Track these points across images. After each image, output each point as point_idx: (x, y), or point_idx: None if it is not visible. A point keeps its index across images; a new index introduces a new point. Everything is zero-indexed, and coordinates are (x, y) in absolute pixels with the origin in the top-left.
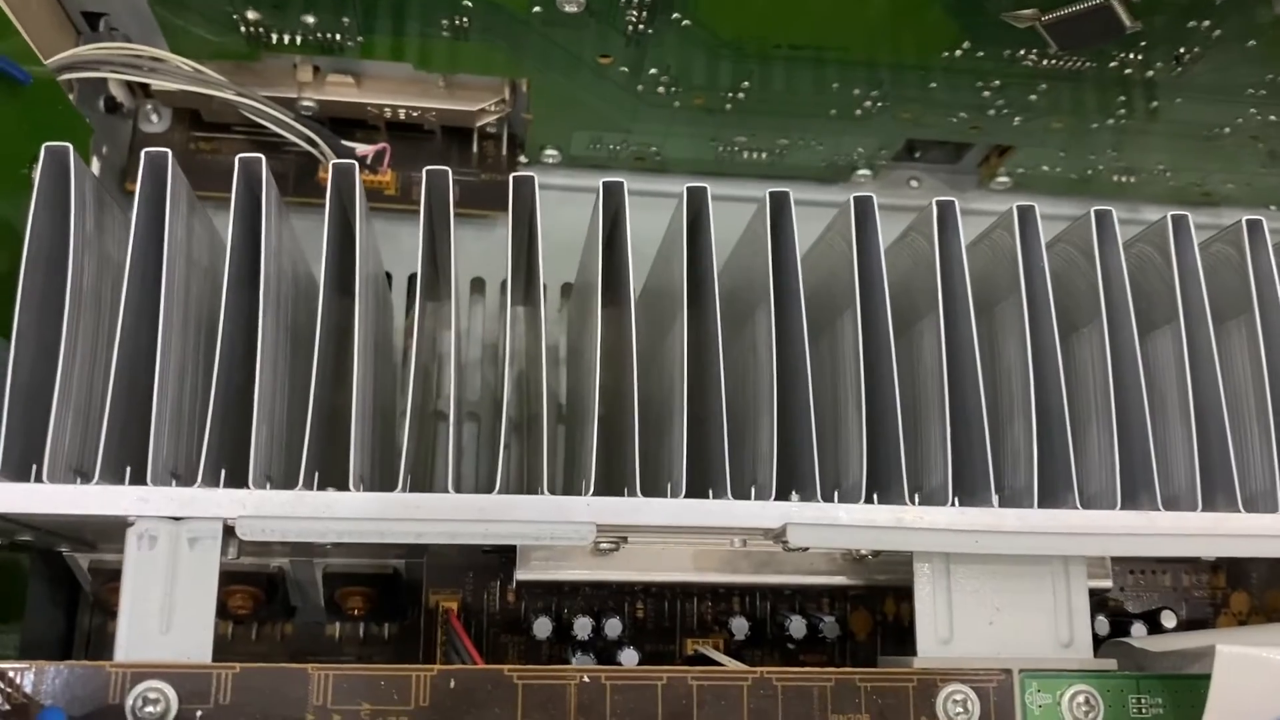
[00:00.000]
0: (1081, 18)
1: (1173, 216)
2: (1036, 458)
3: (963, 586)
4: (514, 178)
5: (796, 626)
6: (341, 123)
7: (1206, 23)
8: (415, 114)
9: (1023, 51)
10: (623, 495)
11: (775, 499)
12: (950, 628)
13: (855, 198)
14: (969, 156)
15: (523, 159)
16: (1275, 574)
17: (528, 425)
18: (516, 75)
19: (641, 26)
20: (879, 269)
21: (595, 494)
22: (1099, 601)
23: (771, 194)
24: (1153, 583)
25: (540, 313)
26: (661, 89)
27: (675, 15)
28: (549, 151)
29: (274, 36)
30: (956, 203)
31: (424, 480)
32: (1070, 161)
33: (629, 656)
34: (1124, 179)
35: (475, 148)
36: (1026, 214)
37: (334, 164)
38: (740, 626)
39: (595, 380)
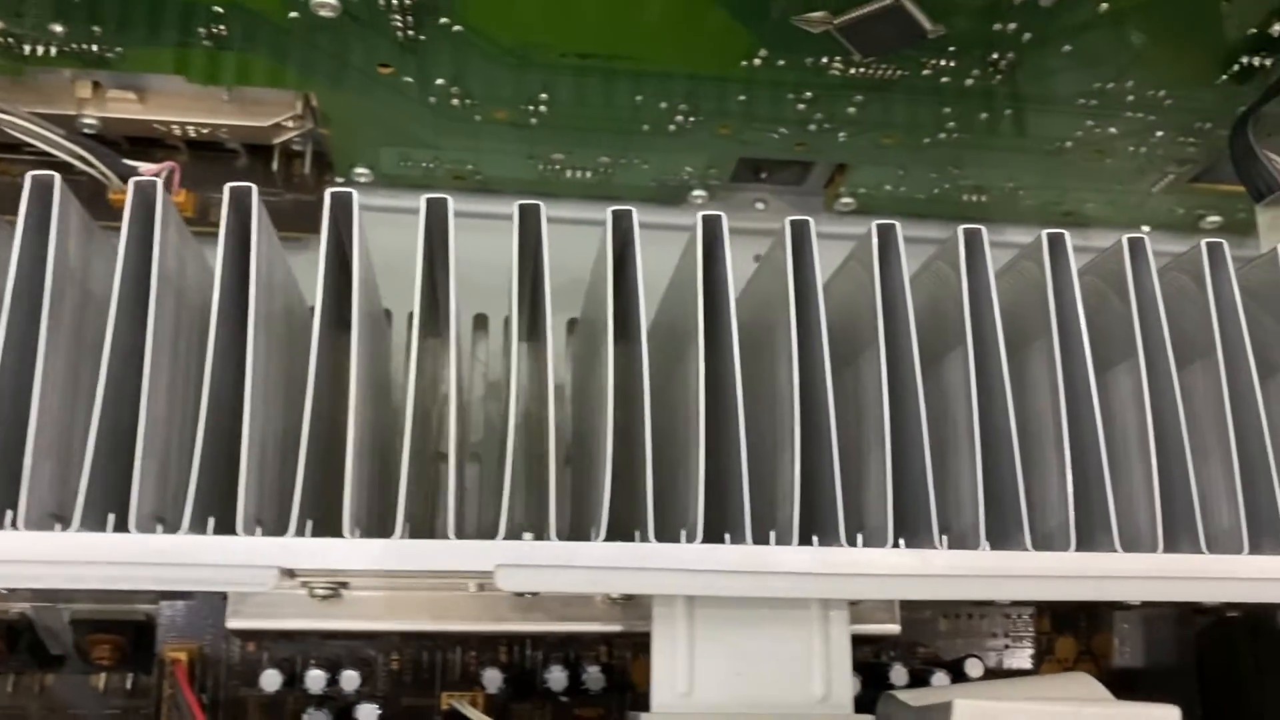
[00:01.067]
0: (876, 20)
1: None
2: (798, 492)
3: (707, 634)
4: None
5: (556, 678)
6: (139, 141)
7: (1012, 25)
8: (205, 131)
9: (825, 59)
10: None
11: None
12: (690, 680)
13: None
14: (813, 176)
15: (340, 179)
16: (1104, 619)
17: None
18: (296, 88)
19: (411, 33)
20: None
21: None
22: (907, 648)
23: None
24: (971, 628)
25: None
26: (456, 101)
27: (444, 20)
28: (359, 170)
29: (26, 48)
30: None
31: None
32: (912, 180)
33: (367, 713)
34: (975, 198)
35: (276, 166)
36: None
37: (134, 182)
38: (493, 679)
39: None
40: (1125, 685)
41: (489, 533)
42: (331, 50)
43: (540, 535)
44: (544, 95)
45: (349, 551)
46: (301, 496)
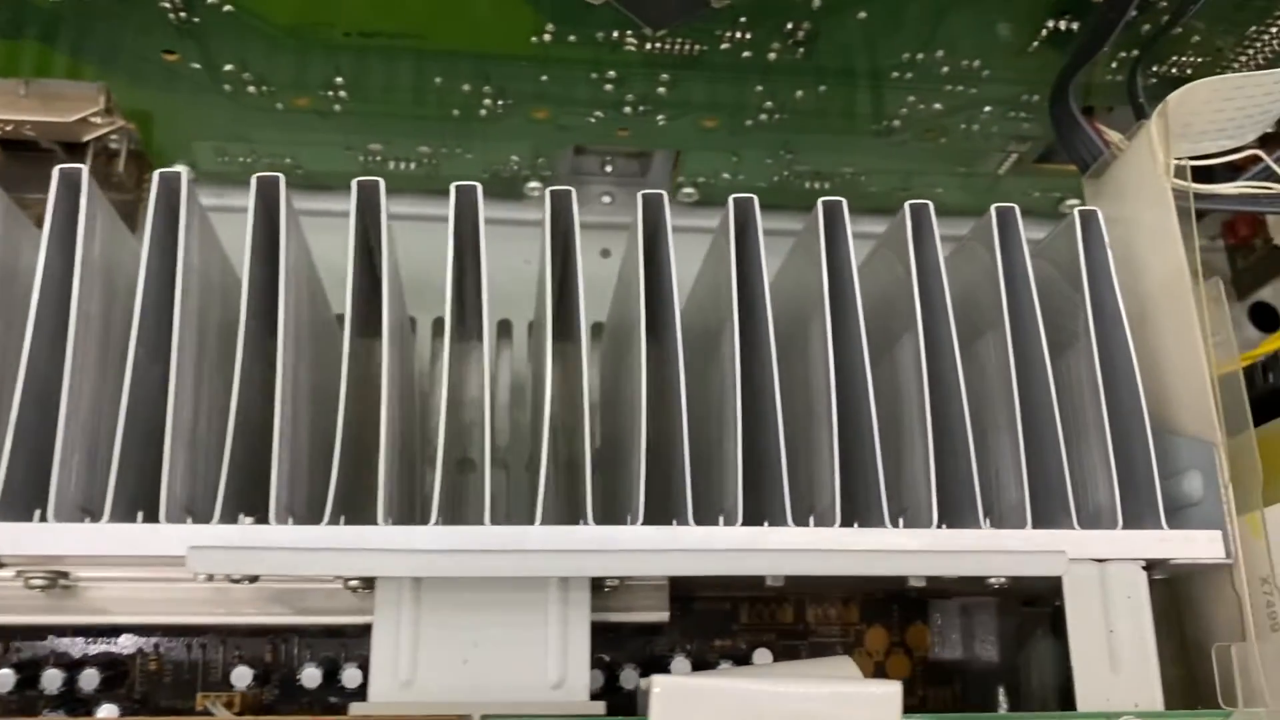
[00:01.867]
0: None
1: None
2: (544, 476)
3: (434, 619)
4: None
5: (309, 675)
6: None
7: None
8: (9, 128)
9: (616, 34)
10: None
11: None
12: (414, 667)
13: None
14: (655, 167)
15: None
16: (917, 608)
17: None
18: (92, 79)
19: (184, 14)
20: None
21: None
22: (705, 639)
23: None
24: (772, 615)
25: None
26: (252, 89)
27: (212, 0)
28: (179, 167)
29: None
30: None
31: None
32: (748, 167)
33: (109, 711)
34: (816, 185)
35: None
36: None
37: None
38: (243, 675)
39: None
40: (941, 678)
41: None
42: (109, 37)
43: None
44: (339, 79)
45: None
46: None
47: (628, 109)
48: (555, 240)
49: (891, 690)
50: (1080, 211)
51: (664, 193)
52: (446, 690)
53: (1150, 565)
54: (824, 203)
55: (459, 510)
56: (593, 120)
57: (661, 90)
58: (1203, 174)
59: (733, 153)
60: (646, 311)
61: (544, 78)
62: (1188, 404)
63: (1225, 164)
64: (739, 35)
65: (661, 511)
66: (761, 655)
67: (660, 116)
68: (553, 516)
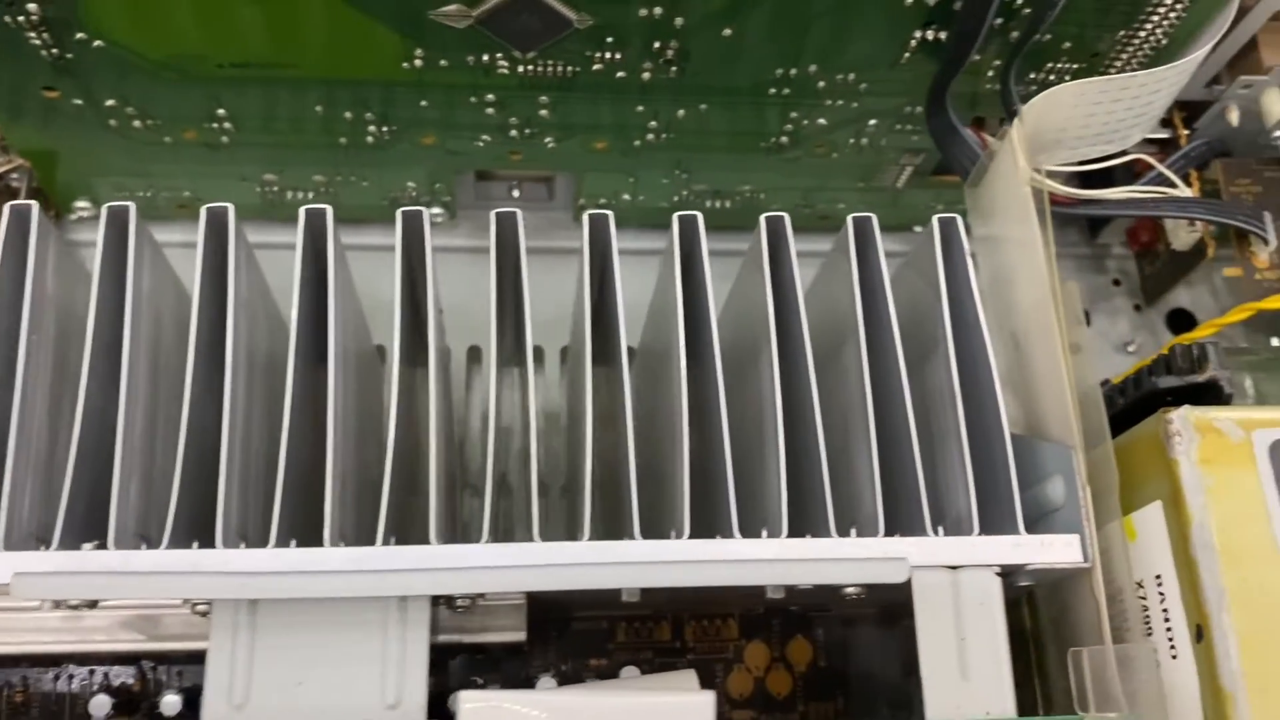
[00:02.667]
0: (515, 12)
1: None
2: (387, 492)
3: (270, 641)
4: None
5: (169, 703)
6: None
7: (658, 10)
8: None
9: (488, 58)
10: None
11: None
12: (248, 691)
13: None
14: (559, 191)
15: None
16: (799, 623)
17: None
18: None
19: (57, 51)
20: None
21: None
22: (580, 658)
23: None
24: (649, 634)
25: None
26: (138, 123)
27: (81, 36)
28: (81, 204)
29: None
30: None
31: None
32: (646, 188)
33: None
34: (717, 204)
35: None
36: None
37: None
38: (101, 705)
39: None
40: (824, 693)
41: None
42: None
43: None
44: (220, 111)
45: None
46: None
47: (514, 132)
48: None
49: (702, 700)
50: (939, 219)
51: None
52: (279, 713)
53: (1008, 572)
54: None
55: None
56: (481, 144)
57: (544, 113)
58: (1102, 180)
59: (628, 174)
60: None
61: (423, 103)
62: (1052, 411)
63: (1124, 168)
64: (609, 55)
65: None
66: (629, 672)
67: (548, 139)
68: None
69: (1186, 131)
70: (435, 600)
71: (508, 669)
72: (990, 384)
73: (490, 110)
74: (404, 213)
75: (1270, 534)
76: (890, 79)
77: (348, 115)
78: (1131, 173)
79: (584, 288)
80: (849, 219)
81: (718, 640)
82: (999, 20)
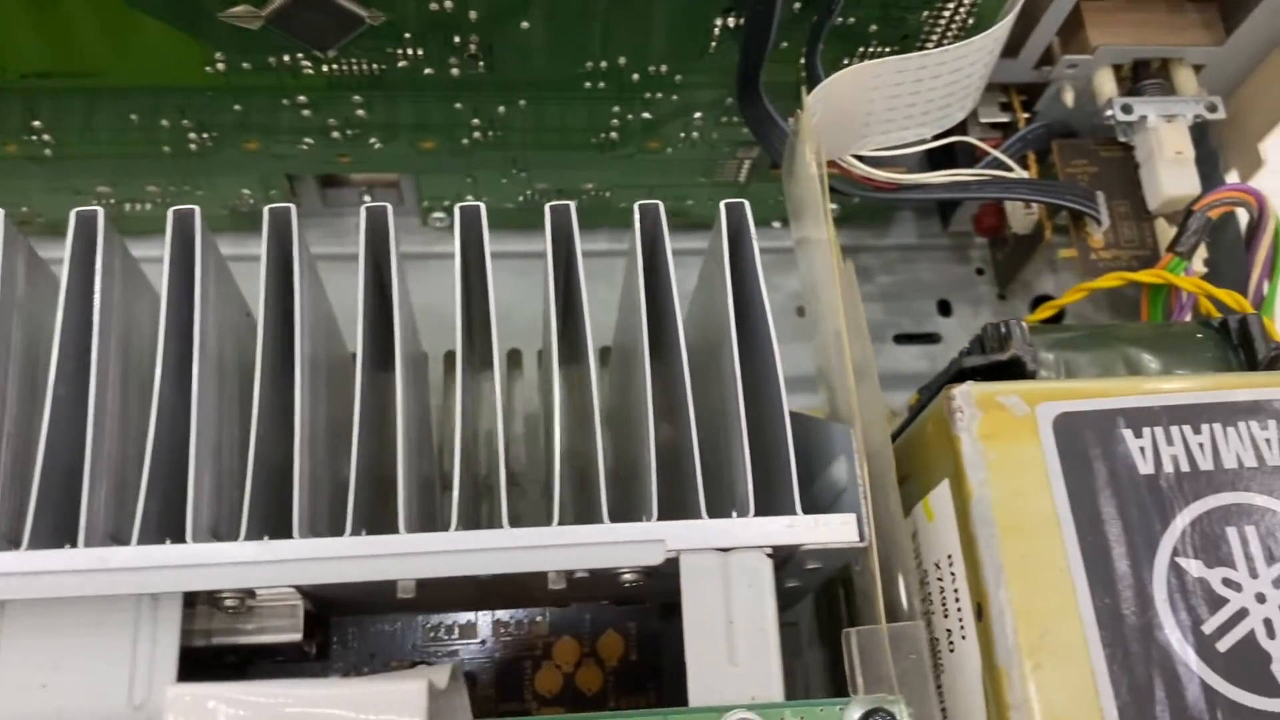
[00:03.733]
0: (306, 10)
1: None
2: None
3: (14, 643)
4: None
5: None
6: None
7: (449, 4)
8: None
9: (289, 58)
10: None
11: None
12: None
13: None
14: (406, 194)
15: None
16: (610, 617)
17: None
18: None
19: None
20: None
21: None
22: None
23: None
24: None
25: None
26: None
27: None
28: None
29: None
30: None
31: None
32: (486, 188)
33: None
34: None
35: None
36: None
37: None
38: None
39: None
40: (635, 687)
41: None
42: None
43: None
44: (36, 123)
45: None
46: None
47: (335, 134)
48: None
49: (414, 687)
50: (725, 204)
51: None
52: (20, 716)
53: (784, 554)
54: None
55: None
56: (305, 148)
57: (361, 113)
58: (948, 166)
59: (465, 174)
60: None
61: (236, 107)
62: (839, 393)
63: (966, 154)
64: (411, 52)
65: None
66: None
67: (373, 140)
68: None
69: (1026, 115)
70: (196, 600)
71: (310, 671)
72: (772, 367)
73: (306, 112)
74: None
75: (1052, 508)
76: (703, 69)
77: (165, 123)
78: (973, 158)
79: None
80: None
81: (528, 637)
82: (798, 5)
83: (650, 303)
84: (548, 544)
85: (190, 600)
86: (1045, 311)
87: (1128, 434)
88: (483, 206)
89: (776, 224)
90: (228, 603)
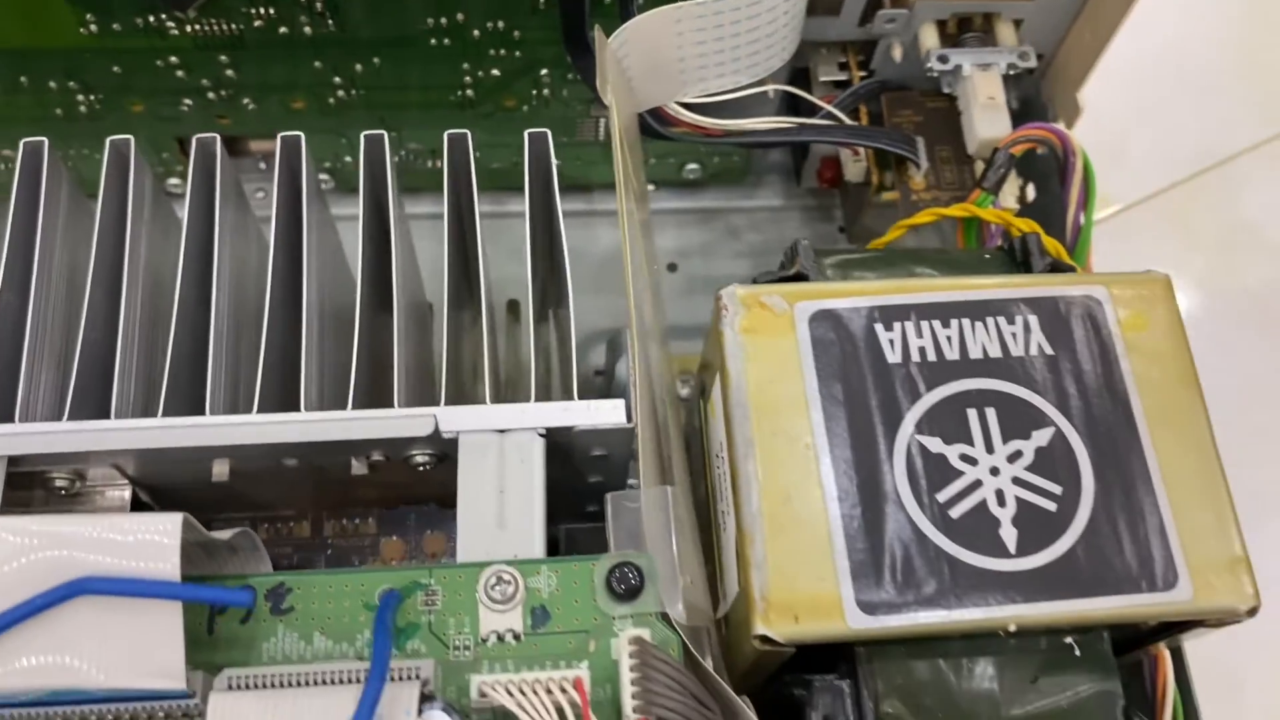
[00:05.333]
0: None
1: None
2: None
3: None
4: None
5: None
6: None
7: None
8: None
9: (154, 20)
10: None
11: None
12: None
13: None
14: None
15: None
16: (437, 518)
17: None
18: None
19: None
20: None
21: None
22: None
23: None
24: (290, 531)
25: None
26: None
27: None
28: None
29: None
30: None
31: None
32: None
33: None
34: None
35: None
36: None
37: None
38: None
39: None
40: None
41: None
42: None
43: None
44: None
45: None
46: None
47: (211, 94)
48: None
49: (170, 520)
50: (528, 133)
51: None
52: None
53: (560, 435)
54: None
55: None
56: (186, 109)
57: (230, 73)
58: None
59: (338, 134)
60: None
61: (116, 69)
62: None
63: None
64: (265, 11)
65: None
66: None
67: (246, 100)
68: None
69: (863, 74)
70: (32, 484)
71: None
72: (564, 283)
73: (180, 73)
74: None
75: (802, 391)
76: (539, 25)
77: (53, 85)
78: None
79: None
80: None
81: (356, 536)
82: None
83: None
84: (327, 418)
85: (26, 484)
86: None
87: (879, 328)
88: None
89: (651, 186)
90: (58, 483)
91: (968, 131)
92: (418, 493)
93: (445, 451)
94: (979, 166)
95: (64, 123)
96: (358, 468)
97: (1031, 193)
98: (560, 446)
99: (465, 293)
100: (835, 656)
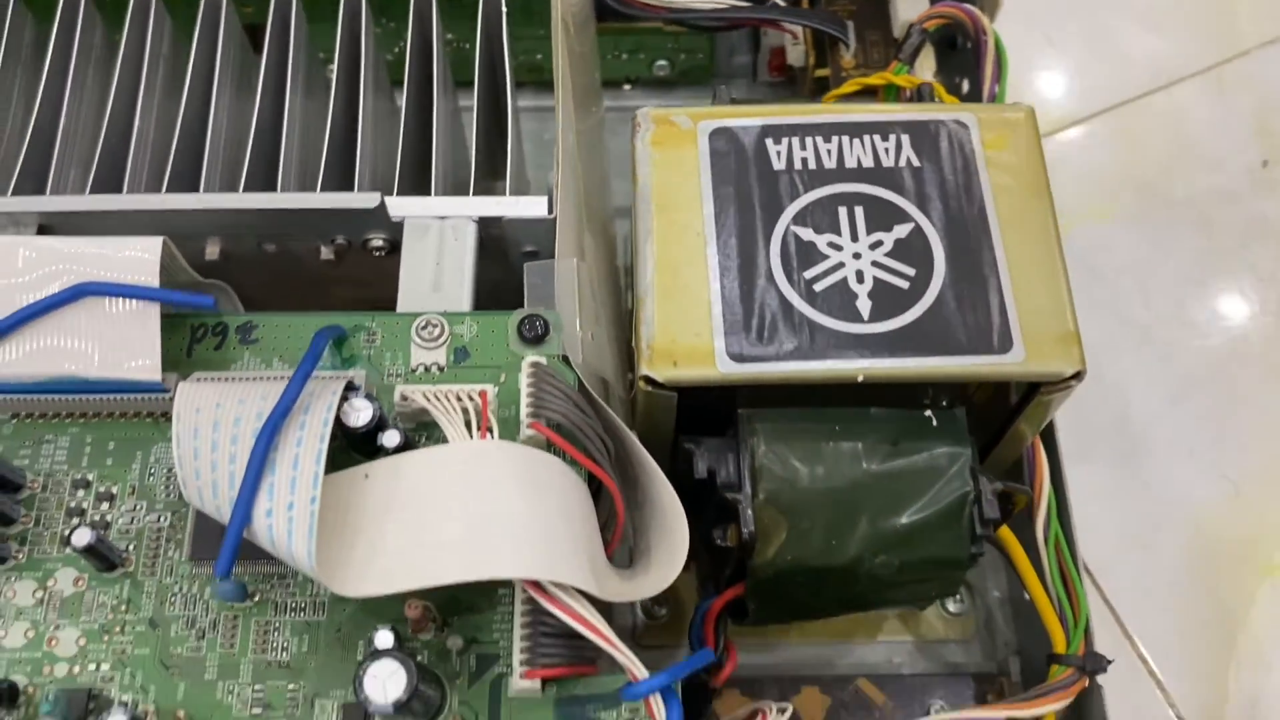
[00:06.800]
0: None
1: None
2: None
3: None
4: None
5: None
6: None
7: None
8: None
9: None
10: None
11: None
12: None
13: None
14: None
15: None
16: None
17: None
18: None
19: None
20: None
21: None
22: None
23: None
24: None
25: None
26: None
27: None
28: None
29: None
30: None
31: None
32: None
33: None
34: None
35: None
36: None
37: None
38: None
39: None
40: None
41: None
42: None
43: None
44: None
45: None
46: None
47: None
48: None
49: (150, 242)
50: None
51: None
52: None
53: (490, 224)
54: None
55: None
56: None
57: None
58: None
59: None
60: None
61: None
62: None
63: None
64: None
65: None
66: None
67: None
68: None
69: None
70: None
71: None
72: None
73: None
74: None
75: (698, 191)
76: None
77: None
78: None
79: None
80: None
81: None
82: None
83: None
84: (293, 196)
85: None
86: None
87: (769, 141)
88: None
89: (626, 85)
90: None
91: (893, 14)
92: (387, 294)
93: (395, 239)
94: None
95: None
96: (325, 253)
97: (966, 87)
98: (495, 241)
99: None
100: (725, 422)
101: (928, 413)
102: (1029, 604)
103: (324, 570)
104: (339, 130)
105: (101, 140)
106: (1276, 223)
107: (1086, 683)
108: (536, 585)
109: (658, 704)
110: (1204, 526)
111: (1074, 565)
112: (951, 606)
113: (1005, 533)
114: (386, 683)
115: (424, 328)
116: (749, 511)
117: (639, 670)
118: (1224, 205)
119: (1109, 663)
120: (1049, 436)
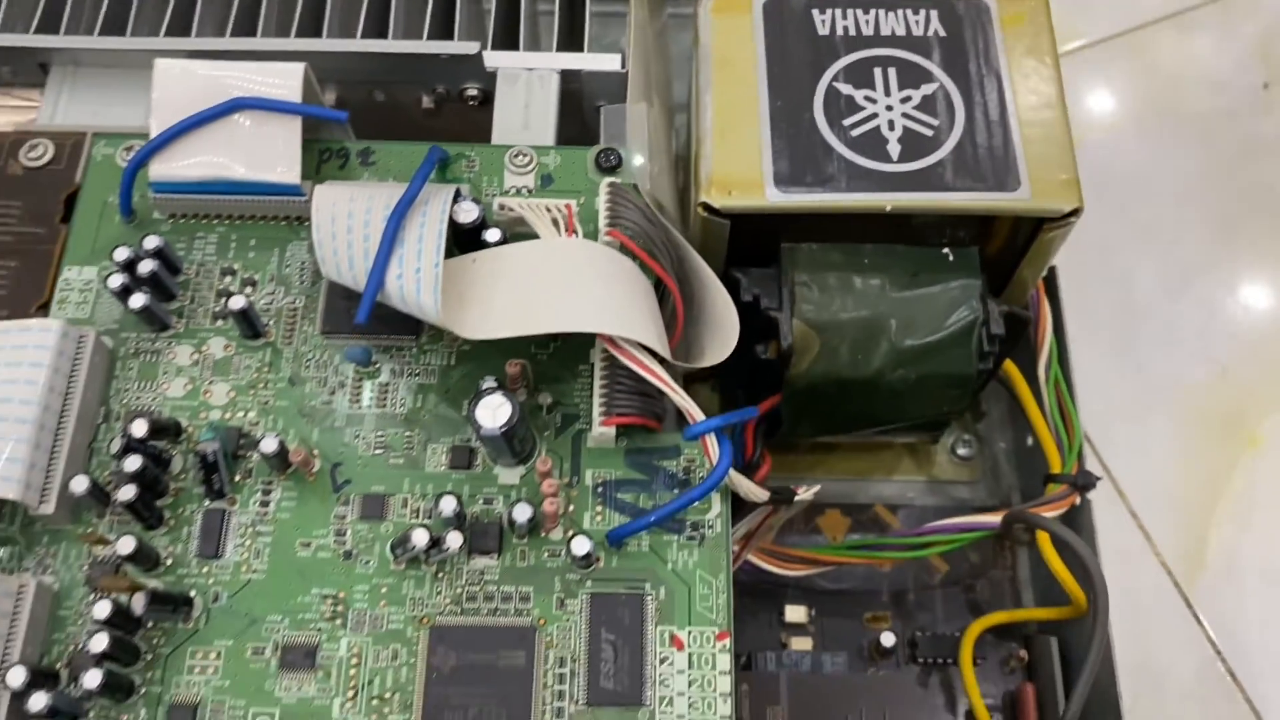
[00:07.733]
0: None
1: None
2: None
3: None
4: None
5: None
6: None
7: None
8: None
9: None
10: None
11: None
12: None
13: None
14: None
15: None
16: None
17: None
18: None
19: None
20: None
21: None
22: None
23: None
24: None
25: None
26: None
27: None
28: None
29: None
30: None
31: None
32: None
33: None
34: None
35: None
36: None
37: None
38: None
39: None
40: None
41: None
42: None
43: None
44: None
45: None
46: None
47: None
48: None
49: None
50: None
51: None
52: None
53: (570, 76)
54: None
55: None
56: None
57: None
58: None
59: None
60: None
61: None
62: None
63: None
64: None
65: None
66: None
67: None
68: None
69: None
70: None
71: None
72: None
73: None
74: None
75: (752, 50)
76: None
77: None
78: None
79: None
80: None
81: None
82: None
83: None
84: (398, 43)
85: None
86: None
87: (814, 11)
88: None
89: None
90: None
91: None
92: None
93: (488, 90)
94: None
95: None
96: (426, 102)
97: None
98: (573, 96)
99: None
100: (769, 257)
101: (945, 250)
102: (1031, 451)
103: (447, 317)
104: None
105: None
106: (1270, 139)
107: (1078, 499)
108: (613, 342)
109: (712, 442)
110: (1193, 404)
111: (1071, 401)
112: (961, 450)
113: (1011, 369)
114: (496, 411)
115: (516, 156)
116: (787, 326)
117: (698, 414)
118: (1226, 122)
119: (1097, 479)
120: (1054, 298)
